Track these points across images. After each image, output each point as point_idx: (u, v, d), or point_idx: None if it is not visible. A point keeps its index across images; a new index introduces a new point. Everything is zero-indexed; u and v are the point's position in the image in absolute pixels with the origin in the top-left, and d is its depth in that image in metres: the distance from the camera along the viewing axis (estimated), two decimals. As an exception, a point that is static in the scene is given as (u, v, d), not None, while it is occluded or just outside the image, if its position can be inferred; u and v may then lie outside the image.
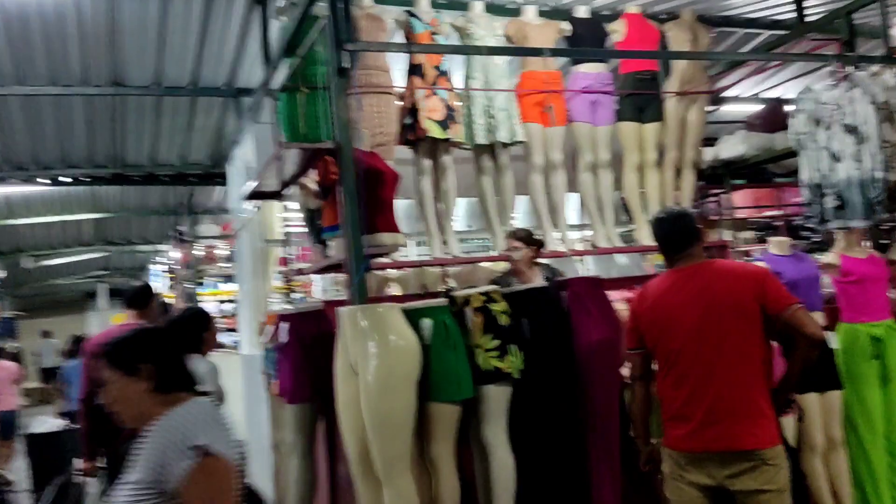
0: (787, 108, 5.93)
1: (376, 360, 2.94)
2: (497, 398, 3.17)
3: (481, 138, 4.73)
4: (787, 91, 6.85)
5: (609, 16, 5.59)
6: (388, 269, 5.66)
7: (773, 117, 5.64)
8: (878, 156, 3.87)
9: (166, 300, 10.73)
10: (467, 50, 4.42)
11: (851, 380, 4.00)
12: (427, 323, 3.08)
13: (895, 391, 4.06)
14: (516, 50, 4.58)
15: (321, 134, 3.94)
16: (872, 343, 4.02)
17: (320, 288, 8.39)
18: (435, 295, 3.52)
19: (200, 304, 9.61)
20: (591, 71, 5.10)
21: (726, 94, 6.90)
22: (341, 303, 3.62)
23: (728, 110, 7.26)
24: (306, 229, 4.33)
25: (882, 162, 3.87)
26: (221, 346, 4.70)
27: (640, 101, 5.18)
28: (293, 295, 6.41)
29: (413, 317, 3.09)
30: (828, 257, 4.19)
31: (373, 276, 4.65)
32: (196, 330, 3.58)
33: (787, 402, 2.85)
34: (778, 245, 4.25)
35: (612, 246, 5.11)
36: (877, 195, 3.90)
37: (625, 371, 3.27)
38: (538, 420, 3.27)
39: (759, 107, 6.50)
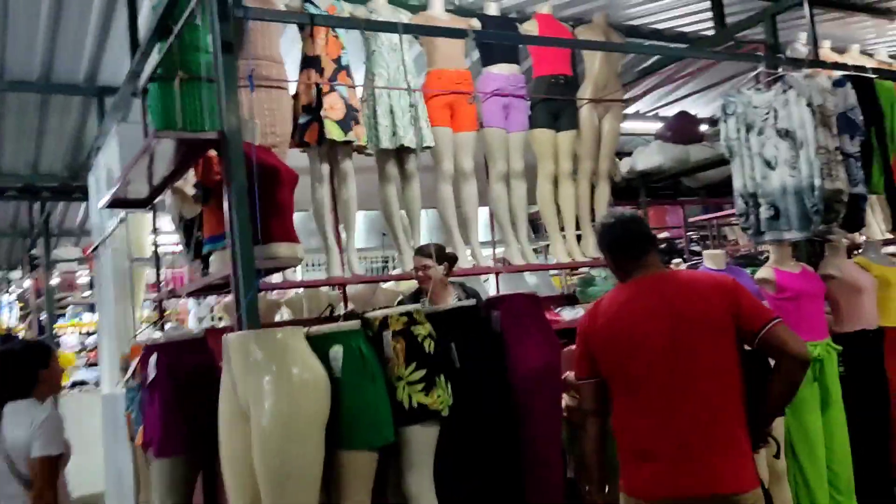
0: (698, 120, 5.79)
1: (274, 400, 2.31)
2: (423, 441, 2.60)
3: (386, 142, 4.19)
4: (696, 105, 6.77)
5: (517, 18, 5.26)
6: (278, 291, 5.00)
7: (685, 129, 5.45)
8: (816, 162, 3.64)
9: (11, 333, 9.45)
10: (380, 26, 3.88)
11: (791, 405, 3.70)
12: (338, 351, 2.48)
13: (835, 416, 3.81)
14: (438, 30, 4.09)
15: (202, 128, 3.27)
16: (812, 365, 3.76)
17: (194, 316, 7.51)
18: (335, 319, 2.92)
19: (49, 338, 8.43)
20: (503, 72, 4.70)
21: (631, 110, 6.73)
22: (226, 330, 2.95)
23: (629, 126, 7.11)
24: (181, 244, 3.62)
25: (819, 169, 3.64)
26: (61, 387, 3.84)
27: (555, 107, 4.83)
28: (166, 324, 5.58)
29: (320, 344, 2.49)
30: (762, 272, 3.92)
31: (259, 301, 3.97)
32: (28, 367, 2.79)
33: (766, 435, 2.45)
34: (713, 258, 3.95)
35: (527, 262, 4.69)
36: (814, 204, 3.66)
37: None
38: (469, 465, 2.72)
39: (658, 125, 6.38)
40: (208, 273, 3.04)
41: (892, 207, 4.27)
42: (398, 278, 4.54)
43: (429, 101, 4.40)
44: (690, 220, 8.36)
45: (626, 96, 5.89)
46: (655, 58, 5.62)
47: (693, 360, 2.30)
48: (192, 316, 7.50)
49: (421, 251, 3.92)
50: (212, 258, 2.99)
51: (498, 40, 4.67)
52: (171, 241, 5.26)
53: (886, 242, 4.53)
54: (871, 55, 5.86)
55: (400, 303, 4.03)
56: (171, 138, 2.74)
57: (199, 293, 4.37)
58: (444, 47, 4.46)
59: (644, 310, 2.38)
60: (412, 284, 4.31)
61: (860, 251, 4.39)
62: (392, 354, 2.59)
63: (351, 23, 4.04)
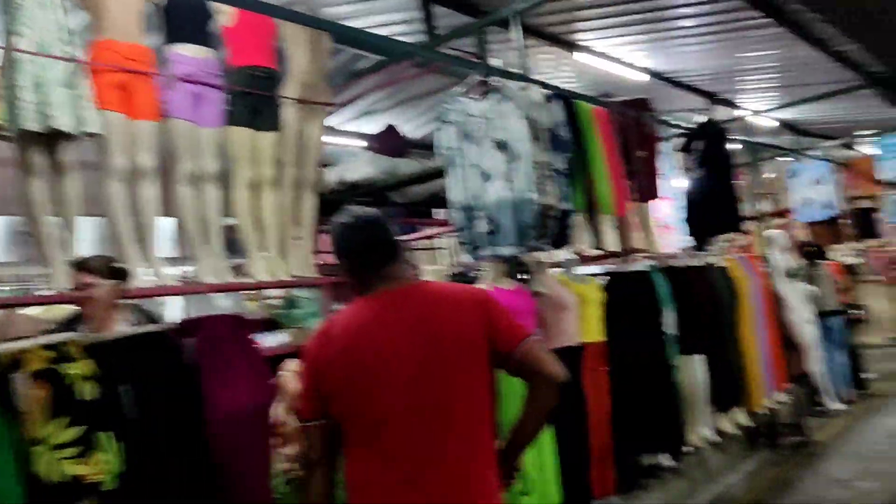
0: (403, 135, 5.57)
1: None
2: (77, 530, 1.80)
3: (30, 122, 3.19)
4: (398, 120, 6.60)
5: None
6: None
7: (393, 143, 5.20)
8: (531, 175, 3.55)
9: None
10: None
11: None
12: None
13: (543, 440, 3.71)
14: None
15: None
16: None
17: None
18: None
19: None
20: (193, 55, 3.94)
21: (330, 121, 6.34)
22: None
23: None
24: None
25: (533, 182, 3.55)
26: None
27: (256, 103, 4.19)
28: None
29: None
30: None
31: None
32: None
33: (515, 469, 2.11)
34: (433, 273, 3.64)
35: (222, 282, 3.96)
36: (529, 219, 3.56)
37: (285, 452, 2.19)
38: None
39: (356, 142, 6.10)
40: None
41: (593, 226, 4.41)
42: (46, 301, 3.51)
43: (95, 78, 3.49)
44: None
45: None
46: (366, 61, 5.26)
47: (450, 394, 1.89)
48: None
49: (81, 265, 3.02)
50: None
51: None
52: None
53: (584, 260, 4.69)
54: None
55: (49, 334, 3.06)
56: None
57: None
58: (115, 13, 3.59)
59: (390, 331, 1.92)
60: (72, 309, 3.35)
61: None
62: (27, 405, 1.76)
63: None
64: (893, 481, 4.85)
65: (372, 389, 1.89)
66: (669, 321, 4.63)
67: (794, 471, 5.42)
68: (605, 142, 4.34)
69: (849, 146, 11.72)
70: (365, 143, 5.37)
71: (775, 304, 7.37)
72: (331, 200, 4.72)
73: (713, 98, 7.95)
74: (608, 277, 4.58)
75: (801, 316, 7.26)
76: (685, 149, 5.36)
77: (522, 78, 3.99)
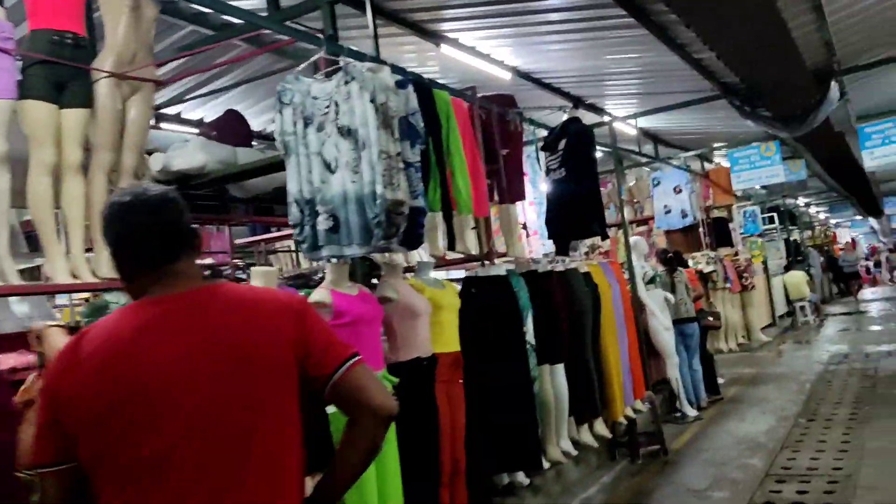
0: (246, 122, 5.04)
1: None
2: None
3: None
4: (242, 104, 6.05)
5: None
6: None
7: (233, 129, 4.66)
8: (378, 167, 3.15)
9: None
10: None
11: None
12: None
13: (388, 458, 3.33)
14: None
15: None
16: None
17: None
18: None
19: None
20: (-23, 12, 3.28)
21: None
22: None
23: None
24: None
25: (381, 175, 3.17)
26: None
27: (59, 74, 3.55)
28: None
29: None
30: (317, 294, 3.28)
31: None
32: None
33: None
34: (263, 276, 3.17)
35: (9, 284, 3.31)
36: (375, 215, 3.16)
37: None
38: None
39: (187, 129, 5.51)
40: None
41: (448, 226, 4.08)
42: None
43: None
44: (238, 242, 7.56)
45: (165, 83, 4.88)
46: (196, 34, 4.70)
47: (246, 428, 1.48)
48: None
49: None
50: None
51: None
52: None
53: (440, 264, 4.36)
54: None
55: None
56: None
57: None
58: None
59: (169, 348, 1.47)
60: None
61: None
62: None
63: None
64: (745, 490, 4.83)
65: (143, 423, 1.42)
66: (529, 329, 4.39)
67: (651, 481, 5.33)
68: (464, 135, 4.03)
69: (706, 158, 12.23)
70: (202, 129, 4.80)
71: (636, 310, 7.40)
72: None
73: (579, 102, 7.90)
74: (465, 282, 4.28)
75: (661, 322, 7.33)
76: (547, 147, 5.16)
77: (374, 59, 3.60)
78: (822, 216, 27.46)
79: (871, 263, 26.20)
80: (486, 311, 4.18)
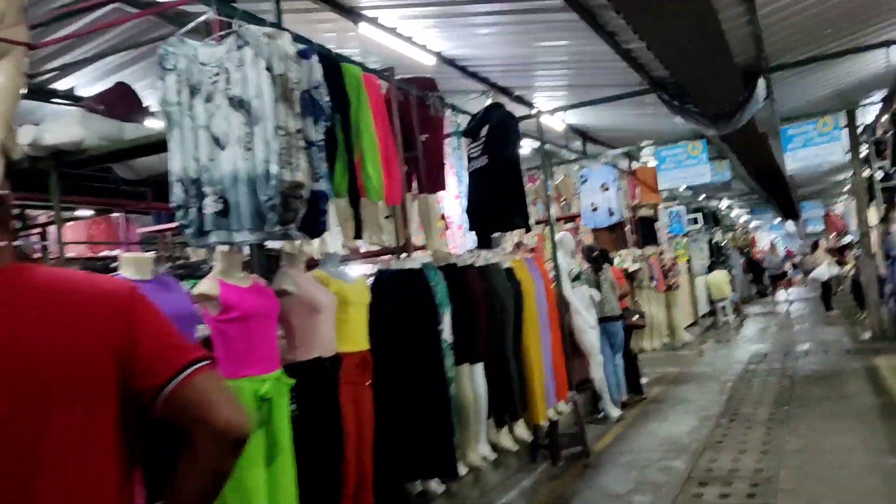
0: (138, 97, 4.58)
1: None
2: None
3: None
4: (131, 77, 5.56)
5: None
6: None
7: (124, 103, 4.20)
8: (274, 144, 2.80)
9: None
10: None
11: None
12: None
13: (282, 467, 2.99)
14: None
15: None
16: (259, 405, 2.88)
17: None
18: None
19: None
20: None
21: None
22: None
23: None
24: None
25: (277, 153, 2.82)
26: None
27: None
28: None
29: None
30: (203, 285, 2.91)
31: None
32: None
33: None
34: (135, 265, 2.77)
35: None
36: (269, 198, 2.81)
37: None
38: None
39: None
40: None
41: (356, 212, 3.74)
42: None
43: None
44: (142, 231, 7.02)
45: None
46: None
47: (39, 453, 1.13)
48: None
49: None
50: None
51: None
52: None
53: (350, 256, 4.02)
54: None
55: None
56: None
57: None
58: None
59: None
60: None
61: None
62: None
63: None
64: (667, 493, 4.68)
65: None
66: (446, 327, 4.10)
67: (572, 485, 5.13)
68: (377, 116, 3.70)
69: (634, 156, 12.22)
70: (87, 101, 4.33)
71: (561, 308, 7.22)
72: (28, 171, 3.65)
73: (506, 93, 7.66)
74: (378, 276, 3.96)
75: (586, 321, 7.17)
76: (469, 133, 4.88)
77: (274, 26, 3.24)
78: (743, 219, 28.23)
79: (789, 266, 27.08)
80: (400, 306, 3.87)
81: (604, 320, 7.36)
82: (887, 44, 6.76)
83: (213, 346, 2.93)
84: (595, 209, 10.00)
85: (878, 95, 9.30)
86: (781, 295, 21.17)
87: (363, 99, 3.61)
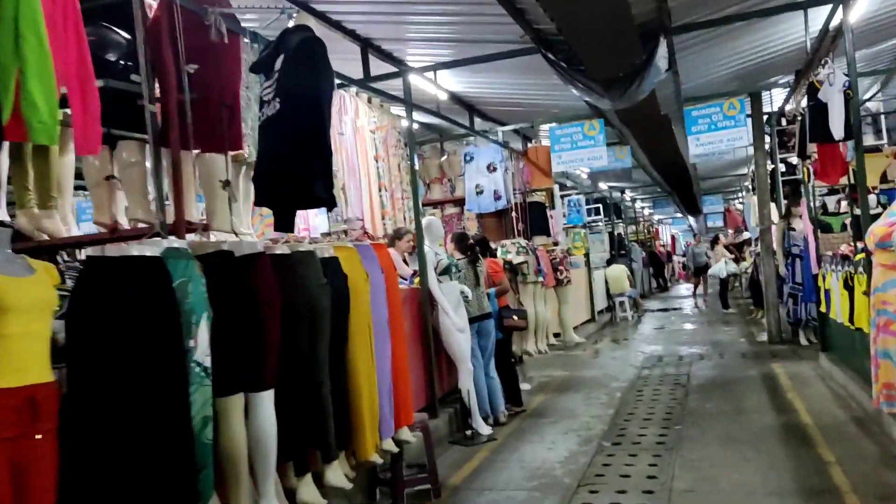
0: None
1: None
2: None
3: None
4: None
5: None
6: None
7: None
8: None
9: None
10: None
11: None
12: None
13: None
14: None
15: None
16: None
17: None
18: None
19: None
20: None
21: None
22: None
23: None
24: None
25: None
26: None
27: None
28: None
29: None
30: None
31: None
32: None
33: None
34: None
35: None
36: None
37: None
38: None
39: None
40: None
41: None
42: None
43: None
44: None
45: None
46: None
47: None
48: None
49: None
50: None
51: None
52: None
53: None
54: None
55: None
56: None
57: None
58: None
59: None
60: None
61: None
62: None
63: None
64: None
65: None
66: (202, 344, 2.80)
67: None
68: (57, 10, 2.33)
69: (528, 136, 11.15)
70: None
71: (424, 308, 6.04)
72: None
73: (368, 44, 6.36)
74: (84, 269, 2.62)
75: (454, 323, 6.03)
76: (259, 67, 3.55)
77: None
78: (646, 212, 27.97)
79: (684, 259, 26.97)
80: (116, 315, 2.54)
81: (475, 319, 6.24)
82: (803, 5, 5.84)
83: None
84: (480, 192, 8.87)
85: (786, 80, 8.53)
86: (680, 289, 20.84)
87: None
